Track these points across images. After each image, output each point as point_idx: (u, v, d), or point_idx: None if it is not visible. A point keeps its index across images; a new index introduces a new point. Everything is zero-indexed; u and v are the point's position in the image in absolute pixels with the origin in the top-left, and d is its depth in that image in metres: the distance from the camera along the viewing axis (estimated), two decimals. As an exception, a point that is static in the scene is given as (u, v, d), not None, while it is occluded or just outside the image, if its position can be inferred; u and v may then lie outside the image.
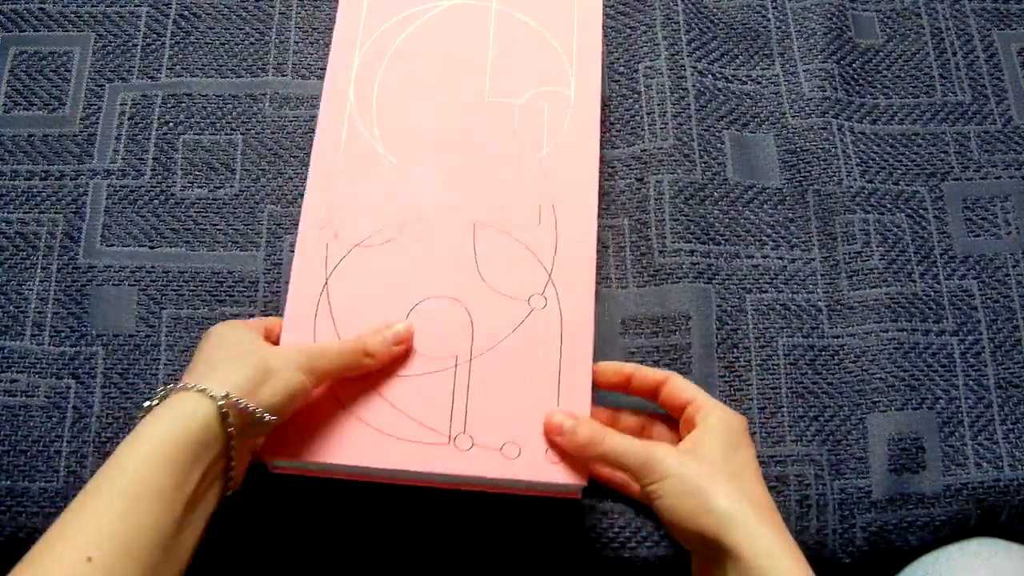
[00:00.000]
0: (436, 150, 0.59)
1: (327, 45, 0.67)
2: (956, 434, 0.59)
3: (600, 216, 0.63)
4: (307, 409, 0.51)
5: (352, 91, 0.60)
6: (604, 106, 0.64)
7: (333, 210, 0.57)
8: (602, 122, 0.65)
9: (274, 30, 0.67)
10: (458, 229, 0.57)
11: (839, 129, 0.66)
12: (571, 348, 0.54)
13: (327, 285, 0.55)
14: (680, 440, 0.53)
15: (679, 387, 0.54)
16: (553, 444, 0.52)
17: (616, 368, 0.55)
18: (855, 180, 0.65)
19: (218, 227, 0.62)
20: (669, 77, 0.66)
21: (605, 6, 0.69)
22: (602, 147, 0.64)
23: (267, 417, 0.46)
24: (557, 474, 0.51)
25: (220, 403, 0.45)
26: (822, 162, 0.65)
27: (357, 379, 0.52)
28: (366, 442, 0.51)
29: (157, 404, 0.46)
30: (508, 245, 0.57)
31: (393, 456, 0.51)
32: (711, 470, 0.49)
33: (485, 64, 0.61)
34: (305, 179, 0.60)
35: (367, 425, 0.52)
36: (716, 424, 0.51)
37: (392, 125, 0.59)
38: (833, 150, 0.65)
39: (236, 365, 0.47)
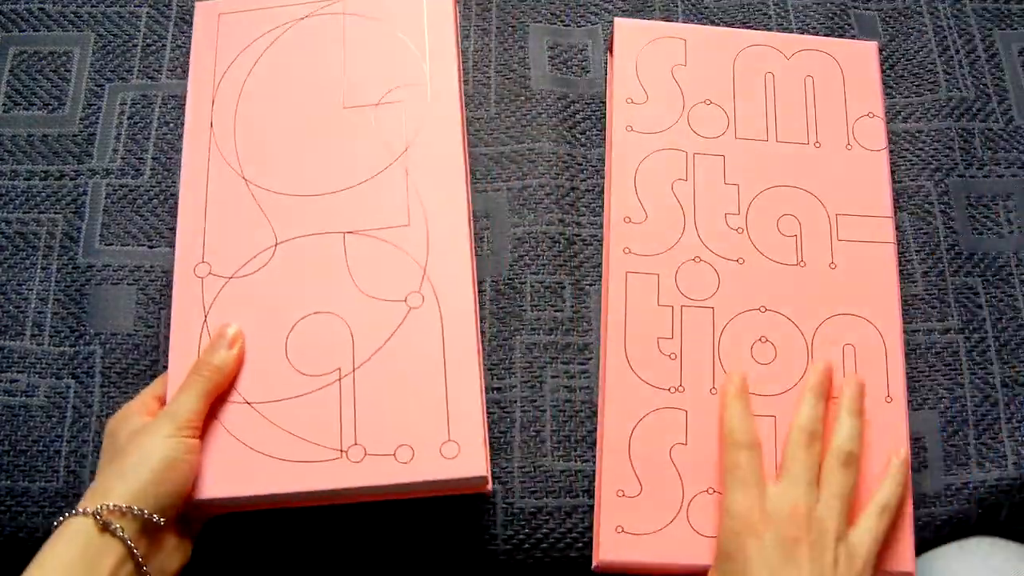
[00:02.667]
0: (298, 167, 0.58)
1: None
2: (959, 433, 0.59)
3: (599, 212, 0.63)
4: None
5: (212, 121, 0.59)
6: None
7: (205, 246, 0.56)
8: (602, 118, 0.65)
9: (274, 30, 0.67)
10: (328, 242, 0.56)
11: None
12: (454, 342, 0.53)
13: (206, 323, 0.54)
14: None
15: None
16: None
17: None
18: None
19: (217, 226, 0.62)
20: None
21: (606, 5, 0.69)
22: (598, 143, 0.64)
23: (154, 518, 0.47)
24: (455, 469, 0.51)
25: (98, 517, 0.46)
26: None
27: (245, 410, 0.52)
28: (261, 470, 0.51)
29: (55, 528, 0.47)
30: (379, 249, 0.55)
31: (289, 479, 0.51)
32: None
33: (340, 73, 0.60)
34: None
35: (260, 453, 0.51)
36: (789, 506, 0.51)
37: (254, 149, 0.58)
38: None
39: (118, 470, 0.48)
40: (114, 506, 0.46)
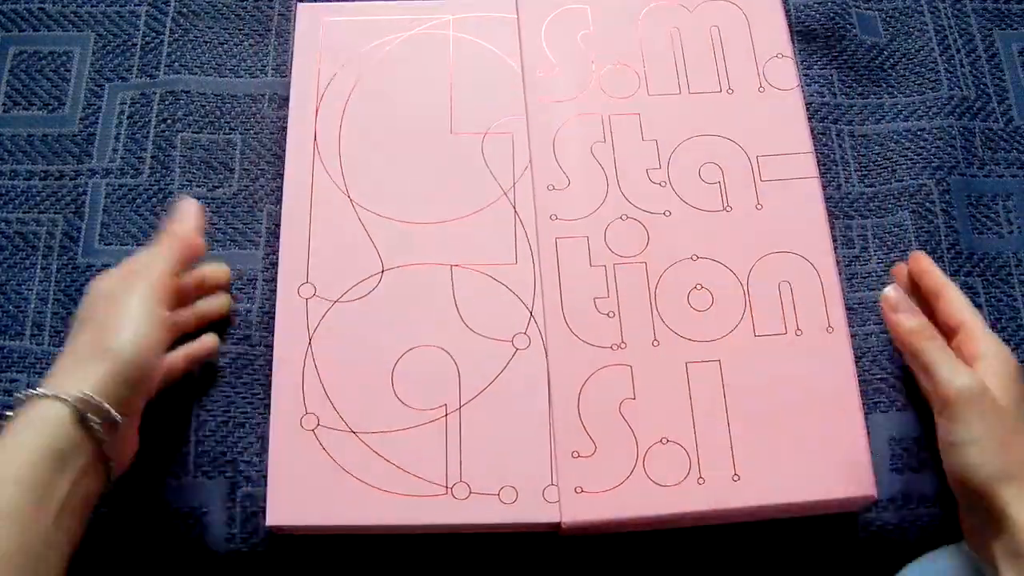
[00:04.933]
0: (406, 192, 0.59)
1: (326, 44, 0.67)
2: (958, 434, 0.59)
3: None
4: (304, 472, 0.52)
5: (316, 134, 0.60)
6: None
7: (309, 266, 0.57)
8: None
9: (273, 30, 0.67)
10: (434, 273, 0.57)
11: (838, 135, 0.66)
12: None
13: (311, 345, 0.55)
14: None
15: (954, 306, 0.53)
16: (888, 319, 0.53)
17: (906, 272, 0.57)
18: (853, 186, 0.64)
19: (216, 226, 0.62)
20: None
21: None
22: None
23: (118, 417, 0.44)
24: (556, 514, 0.52)
25: (78, 407, 0.42)
26: (821, 166, 0.65)
27: (351, 439, 0.53)
28: (365, 501, 0.52)
29: (14, 414, 0.43)
30: (486, 284, 0.57)
31: (393, 512, 0.52)
32: (1011, 434, 0.47)
33: (447, 96, 0.61)
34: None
35: (364, 484, 0.52)
36: (1000, 368, 0.50)
37: (360, 169, 0.59)
38: (832, 155, 0.65)
39: (92, 348, 0.45)
40: (93, 399, 0.42)
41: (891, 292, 0.53)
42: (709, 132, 0.61)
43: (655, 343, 0.56)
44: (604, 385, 0.55)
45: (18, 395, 0.43)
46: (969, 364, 0.50)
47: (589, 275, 0.58)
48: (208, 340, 0.56)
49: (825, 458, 0.53)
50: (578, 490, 0.53)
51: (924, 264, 0.56)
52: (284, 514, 0.52)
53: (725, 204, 0.60)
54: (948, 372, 0.49)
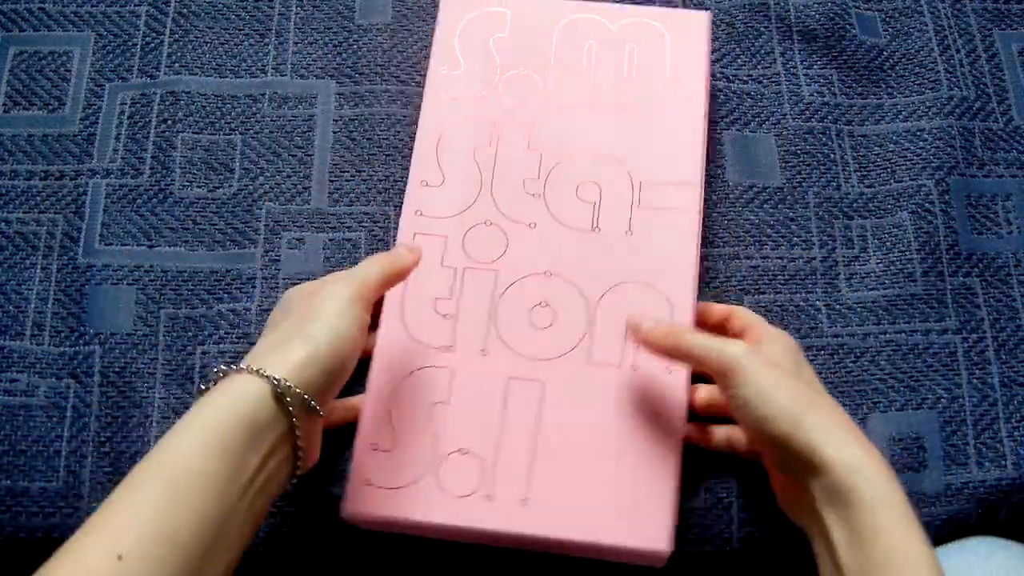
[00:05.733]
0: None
1: (326, 45, 0.67)
2: (958, 433, 0.59)
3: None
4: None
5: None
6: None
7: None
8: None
9: (273, 30, 0.67)
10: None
11: (837, 135, 0.66)
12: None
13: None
14: None
15: (741, 315, 0.57)
16: (638, 342, 0.52)
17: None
18: (853, 186, 0.64)
19: (217, 226, 0.62)
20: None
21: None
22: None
23: (314, 405, 0.44)
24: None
25: (276, 384, 0.43)
26: (821, 166, 0.65)
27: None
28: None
29: (211, 386, 0.44)
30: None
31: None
32: (793, 382, 0.48)
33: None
34: (302, 177, 0.61)
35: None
36: (782, 345, 0.53)
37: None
38: (832, 155, 0.65)
39: (286, 336, 0.46)
40: (288, 382, 0.43)
41: (631, 320, 0.52)
42: (599, 151, 0.60)
43: (484, 352, 0.55)
44: (421, 384, 0.54)
45: (217, 368, 0.44)
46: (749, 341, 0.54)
47: (437, 274, 0.57)
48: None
49: (624, 503, 0.52)
50: (367, 482, 0.52)
51: (705, 311, 0.58)
52: (361, 505, 0.51)
53: (595, 224, 0.58)
54: (719, 345, 0.49)
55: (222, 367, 0.44)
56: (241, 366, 0.44)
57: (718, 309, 0.58)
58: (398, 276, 0.51)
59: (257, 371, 0.43)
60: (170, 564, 0.38)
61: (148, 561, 0.37)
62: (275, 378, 0.43)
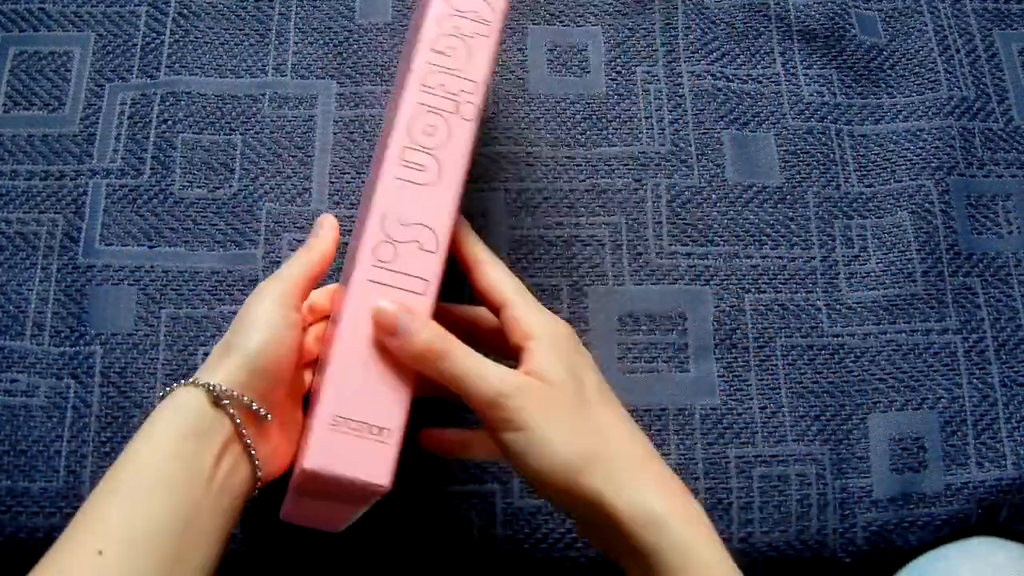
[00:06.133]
0: None
1: (326, 44, 0.67)
2: (958, 433, 0.59)
3: (598, 212, 0.63)
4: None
5: None
6: (601, 102, 0.64)
7: None
8: (601, 118, 0.65)
9: (273, 30, 0.67)
10: None
11: (837, 134, 0.66)
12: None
13: None
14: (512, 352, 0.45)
15: (493, 281, 0.46)
16: (382, 346, 0.43)
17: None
18: (852, 186, 0.65)
19: (217, 226, 0.62)
20: (666, 84, 0.66)
21: (606, 5, 0.68)
22: (598, 143, 0.64)
23: (257, 408, 0.46)
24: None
25: (211, 390, 0.45)
26: (821, 166, 0.65)
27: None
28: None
29: (161, 399, 0.46)
30: None
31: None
32: (574, 417, 0.42)
33: None
34: (303, 178, 0.61)
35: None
36: (551, 343, 0.44)
37: None
38: (832, 155, 0.65)
39: (224, 347, 0.47)
40: (224, 387, 0.45)
41: (383, 307, 0.43)
42: None
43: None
44: None
45: (161, 393, 0.46)
46: (519, 348, 0.44)
47: None
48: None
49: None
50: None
51: (460, 234, 0.47)
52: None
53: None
54: (478, 377, 0.42)
55: (169, 387, 0.46)
56: (184, 382, 0.46)
57: (466, 250, 0.47)
58: (322, 261, 0.51)
59: (193, 382, 0.45)
60: (144, 557, 0.40)
61: (125, 555, 0.40)
62: (211, 384, 0.45)
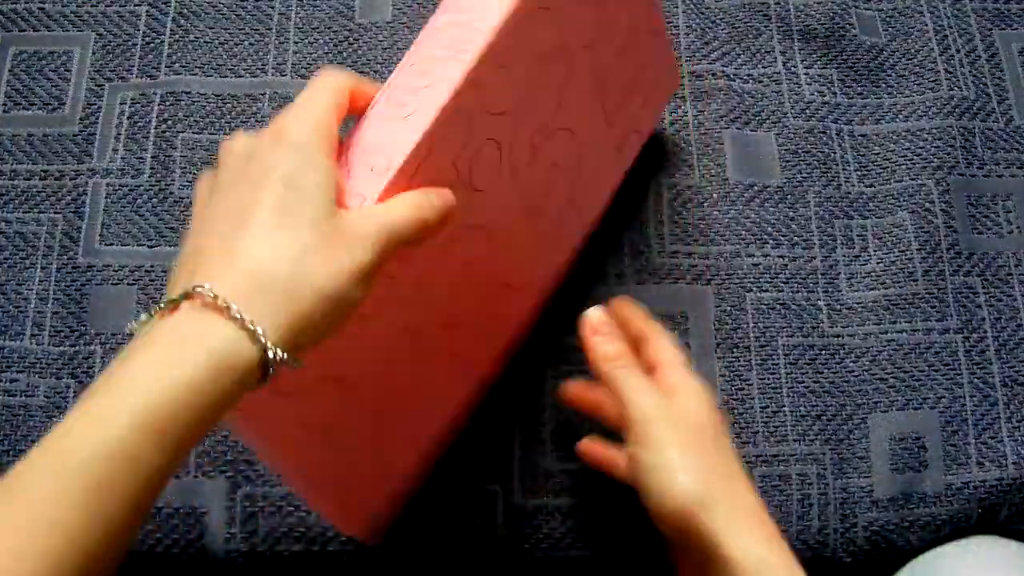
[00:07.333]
0: None
1: (326, 44, 0.67)
2: (959, 433, 0.59)
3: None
4: None
5: None
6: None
7: None
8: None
9: (273, 30, 0.67)
10: None
11: (838, 134, 0.66)
12: None
13: None
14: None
15: (656, 345, 0.50)
16: (583, 338, 0.50)
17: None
18: (853, 186, 0.64)
19: (217, 226, 0.62)
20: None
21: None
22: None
23: (287, 359, 0.34)
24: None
25: (268, 351, 0.32)
26: (822, 165, 0.65)
27: None
28: None
29: (155, 319, 0.34)
30: None
31: None
32: (702, 455, 0.45)
33: None
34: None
35: None
36: (695, 397, 0.48)
37: None
38: (832, 155, 0.65)
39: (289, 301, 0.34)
40: (249, 319, 0.32)
41: (594, 313, 0.50)
42: None
43: None
44: None
45: (163, 303, 0.35)
46: (672, 391, 0.48)
47: None
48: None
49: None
50: None
51: (626, 311, 0.53)
52: None
53: None
54: (636, 394, 0.46)
55: (155, 308, 0.34)
56: (209, 297, 0.33)
57: (637, 325, 0.52)
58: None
59: (240, 320, 0.32)
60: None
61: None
62: (264, 338, 0.33)
